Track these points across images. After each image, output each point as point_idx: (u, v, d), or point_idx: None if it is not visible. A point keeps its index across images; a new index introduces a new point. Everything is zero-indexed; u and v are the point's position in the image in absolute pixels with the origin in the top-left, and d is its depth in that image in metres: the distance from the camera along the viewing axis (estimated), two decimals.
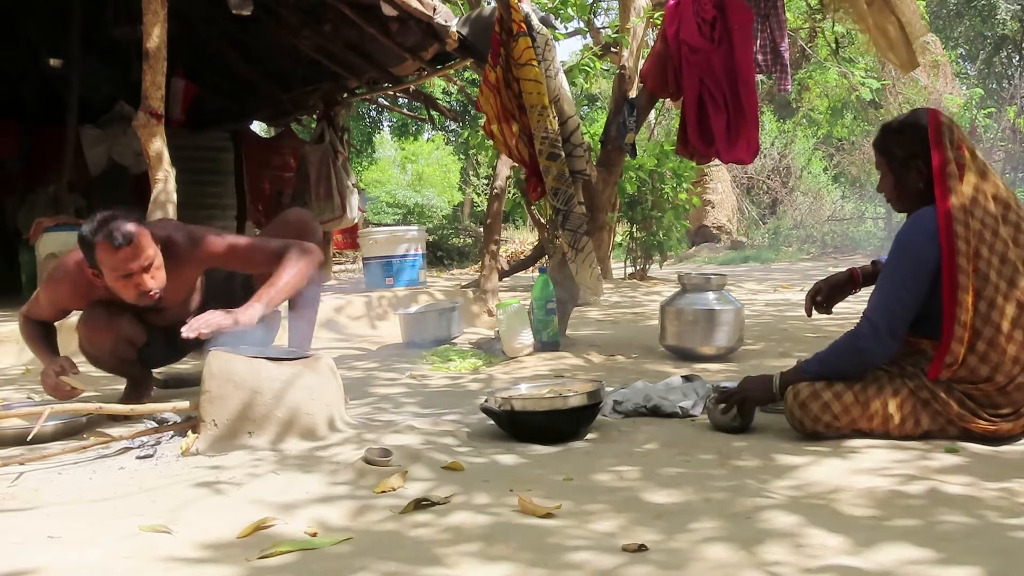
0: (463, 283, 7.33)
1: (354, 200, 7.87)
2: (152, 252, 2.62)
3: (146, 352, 3.01)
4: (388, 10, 5.69)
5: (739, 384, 2.45)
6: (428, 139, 24.32)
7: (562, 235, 3.89)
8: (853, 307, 3.05)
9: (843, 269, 2.70)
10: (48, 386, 2.70)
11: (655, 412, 2.65)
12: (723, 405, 2.40)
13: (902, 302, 2.21)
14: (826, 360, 2.30)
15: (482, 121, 4.11)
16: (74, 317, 2.99)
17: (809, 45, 8.75)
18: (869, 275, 2.63)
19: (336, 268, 10.73)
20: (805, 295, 2.70)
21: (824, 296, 2.65)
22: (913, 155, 2.28)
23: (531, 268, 8.44)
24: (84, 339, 2.89)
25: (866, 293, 2.69)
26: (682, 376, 2.94)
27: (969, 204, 2.18)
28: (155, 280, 2.64)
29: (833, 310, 2.69)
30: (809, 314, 2.69)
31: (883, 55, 4.15)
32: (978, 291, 2.15)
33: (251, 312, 2.53)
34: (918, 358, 2.28)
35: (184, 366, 3.43)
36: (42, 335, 2.89)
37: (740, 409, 2.38)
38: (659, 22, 4.76)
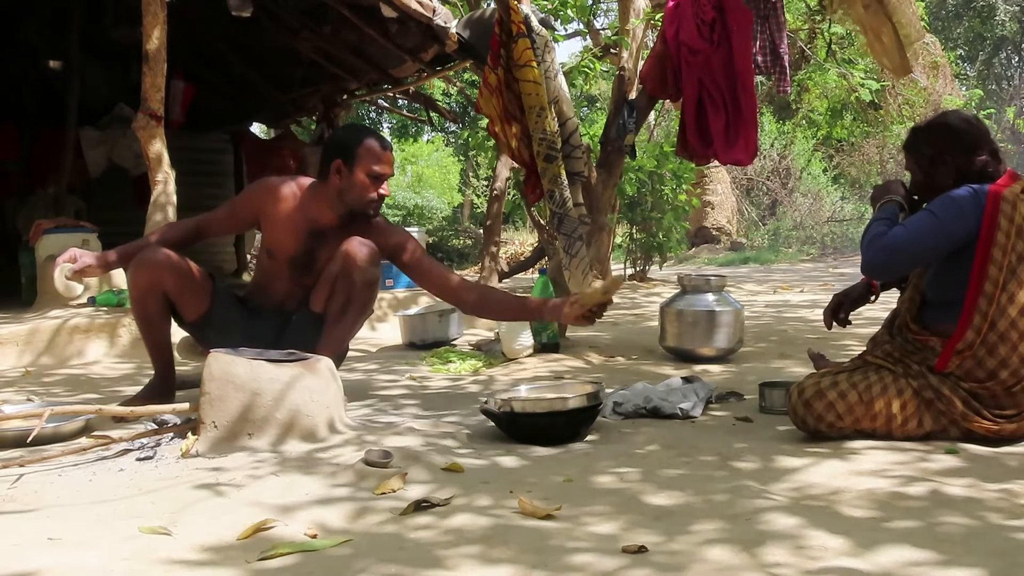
0: None
1: None
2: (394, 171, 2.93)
3: (213, 332, 2.91)
4: (388, 11, 5.70)
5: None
6: (428, 141, 24.32)
7: (558, 239, 3.88)
8: (865, 315, 3.05)
9: (858, 282, 2.69)
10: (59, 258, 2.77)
11: (655, 413, 2.65)
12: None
13: (918, 245, 2.21)
14: (876, 219, 2.35)
15: (482, 122, 4.12)
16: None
17: (808, 46, 8.75)
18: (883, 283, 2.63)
19: None
20: (824, 311, 2.69)
21: (846, 312, 2.66)
22: (941, 151, 2.29)
23: (531, 270, 8.45)
24: (130, 271, 2.82)
25: (878, 301, 2.70)
26: (682, 377, 2.94)
27: (1015, 200, 2.18)
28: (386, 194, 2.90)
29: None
30: (829, 328, 2.69)
31: (878, 59, 4.16)
32: (1003, 284, 2.16)
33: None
34: (925, 355, 2.27)
35: (185, 368, 3.43)
36: (142, 241, 2.98)
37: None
38: (659, 23, 4.76)
